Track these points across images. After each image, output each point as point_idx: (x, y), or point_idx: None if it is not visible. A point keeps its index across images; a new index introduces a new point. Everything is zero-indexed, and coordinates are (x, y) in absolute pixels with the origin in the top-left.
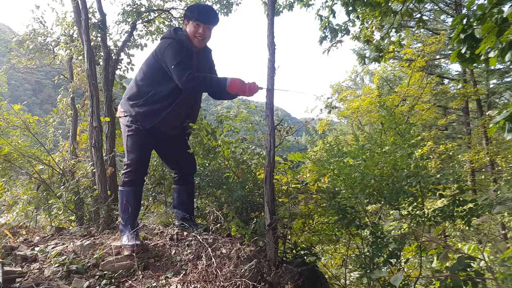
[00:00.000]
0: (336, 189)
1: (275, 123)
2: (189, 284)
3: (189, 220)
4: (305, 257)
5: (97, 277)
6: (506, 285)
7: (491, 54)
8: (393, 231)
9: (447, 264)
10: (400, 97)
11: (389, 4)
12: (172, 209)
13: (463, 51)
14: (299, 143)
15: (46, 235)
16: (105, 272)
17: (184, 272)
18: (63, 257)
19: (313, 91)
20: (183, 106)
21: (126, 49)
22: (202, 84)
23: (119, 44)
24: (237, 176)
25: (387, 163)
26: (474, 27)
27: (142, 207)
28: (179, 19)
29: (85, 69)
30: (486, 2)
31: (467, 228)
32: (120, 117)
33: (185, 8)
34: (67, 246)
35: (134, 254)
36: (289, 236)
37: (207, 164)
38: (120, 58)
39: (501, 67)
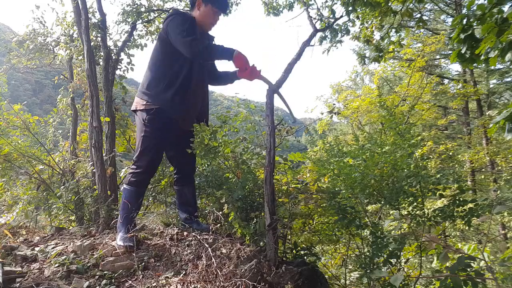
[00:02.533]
0: (336, 189)
1: (275, 123)
2: (189, 284)
3: (192, 221)
4: (305, 257)
5: (97, 277)
6: (506, 285)
7: (491, 54)
8: (393, 231)
9: (447, 264)
10: (400, 97)
11: (389, 4)
12: (176, 210)
13: (463, 51)
14: (299, 142)
15: (46, 235)
16: (105, 272)
17: (184, 272)
18: (63, 257)
19: (313, 94)
20: (199, 93)
21: (126, 49)
22: (207, 49)
23: (119, 44)
24: (236, 176)
25: (387, 163)
26: (474, 27)
27: (142, 207)
28: None
29: (85, 69)
30: (486, 2)
31: (467, 228)
32: (137, 110)
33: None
34: (67, 246)
35: (134, 254)
36: (289, 236)
37: (207, 165)
38: (120, 58)
39: (501, 67)
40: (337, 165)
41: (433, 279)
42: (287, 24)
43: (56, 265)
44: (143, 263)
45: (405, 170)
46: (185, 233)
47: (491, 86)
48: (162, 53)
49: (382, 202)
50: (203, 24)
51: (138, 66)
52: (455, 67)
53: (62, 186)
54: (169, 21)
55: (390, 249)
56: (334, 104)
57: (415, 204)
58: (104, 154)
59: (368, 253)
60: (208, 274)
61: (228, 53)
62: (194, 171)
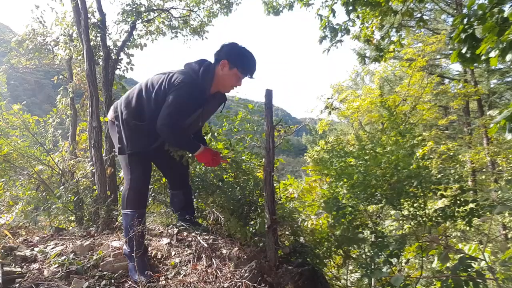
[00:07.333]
0: (338, 189)
1: (274, 123)
2: (189, 285)
3: (190, 221)
4: (306, 257)
5: (96, 277)
6: (507, 285)
7: (492, 54)
8: (393, 231)
9: (448, 265)
10: (401, 97)
11: (390, 4)
12: (174, 213)
13: (463, 51)
14: (299, 142)
15: (45, 235)
16: (104, 273)
17: (184, 273)
18: (63, 258)
19: (312, 92)
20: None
21: (126, 49)
22: (176, 139)
23: (119, 44)
24: (233, 178)
25: (389, 164)
26: (475, 26)
27: None
28: (179, 18)
29: (85, 69)
30: (486, 1)
31: (468, 228)
32: (112, 121)
33: (232, 47)
34: (66, 247)
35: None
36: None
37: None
38: (119, 58)
39: (502, 67)
40: (339, 165)
41: (434, 280)
42: (288, 24)
43: (56, 265)
44: None
45: (406, 170)
46: (185, 234)
47: (492, 86)
48: (160, 104)
49: (383, 202)
50: (222, 85)
51: (137, 66)
52: (456, 67)
53: (62, 186)
54: (175, 88)
55: (391, 249)
56: (329, 99)
57: (416, 204)
58: (103, 154)
59: (368, 253)
60: (208, 274)
61: (193, 147)
62: (188, 176)
